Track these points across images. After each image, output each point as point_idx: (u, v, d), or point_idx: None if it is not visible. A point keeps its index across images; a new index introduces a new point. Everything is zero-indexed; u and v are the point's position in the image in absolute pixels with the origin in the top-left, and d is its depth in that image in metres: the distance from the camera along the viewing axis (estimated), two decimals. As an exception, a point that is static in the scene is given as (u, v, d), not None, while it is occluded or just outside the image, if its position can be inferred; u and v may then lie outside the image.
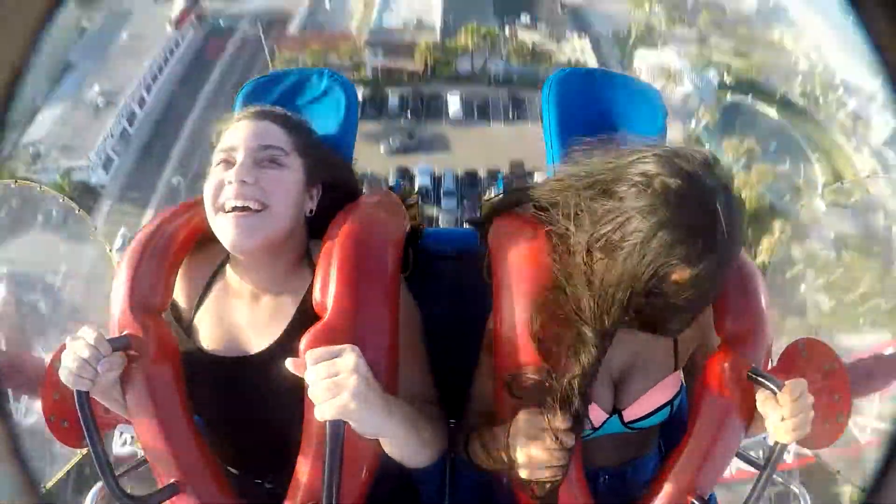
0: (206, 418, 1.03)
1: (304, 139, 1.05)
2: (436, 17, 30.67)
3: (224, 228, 0.93)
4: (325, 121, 1.23)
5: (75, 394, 0.84)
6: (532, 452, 0.84)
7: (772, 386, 0.82)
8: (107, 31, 30.67)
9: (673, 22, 34.56)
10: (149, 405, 0.94)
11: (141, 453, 1.04)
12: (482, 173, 25.65)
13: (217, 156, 0.99)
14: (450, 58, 28.44)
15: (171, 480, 0.93)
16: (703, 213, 0.78)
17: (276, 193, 0.95)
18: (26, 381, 1.18)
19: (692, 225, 0.77)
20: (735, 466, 1.10)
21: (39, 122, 25.55)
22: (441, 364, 1.09)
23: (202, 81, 30.83)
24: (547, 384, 0.87)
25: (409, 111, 27.00)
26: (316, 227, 1.04)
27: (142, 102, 27.97)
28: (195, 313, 1.05)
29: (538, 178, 1.48)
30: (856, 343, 1.52)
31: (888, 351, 1.42)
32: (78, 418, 0.84)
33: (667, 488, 0.93)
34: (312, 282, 0.93)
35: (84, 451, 1.13)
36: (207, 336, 1.03)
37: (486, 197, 1.12)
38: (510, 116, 27.22)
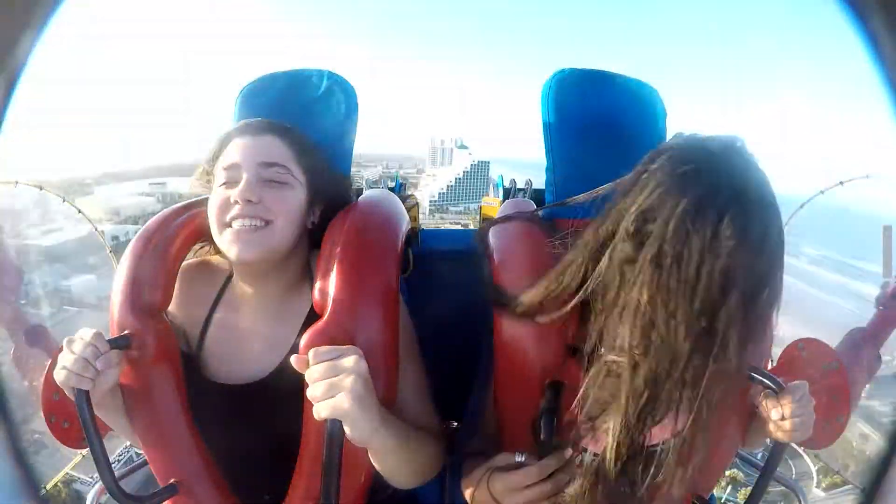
0: (207, 441, 1.00)
1: (307, 153, 1.05)
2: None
3: (229, 242, 0.94)
4: (324, 121, 1.23)
5: (75, 393, 0.83)
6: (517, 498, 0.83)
7: (772, 385, 0.82)
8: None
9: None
10: (148, 405, 0.94)
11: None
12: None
13: (220, 173, 0.98)
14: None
15: (171, 481, 0.93)
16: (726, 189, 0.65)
17: (280, 211, 0.96)
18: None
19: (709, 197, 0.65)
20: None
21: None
22: (440, 365, 1.09)
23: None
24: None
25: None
26: (317, 239, 1.03)
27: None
28: (201, 340, 1.04)
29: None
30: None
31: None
32: (78, 419, 0.84)
33: (667, 488, 0.93)
34: (313, 290, 0.93)
35: (84, 451, 1.13)
36: (214, 363, 1.03)
37: (486, 197, 1.11)
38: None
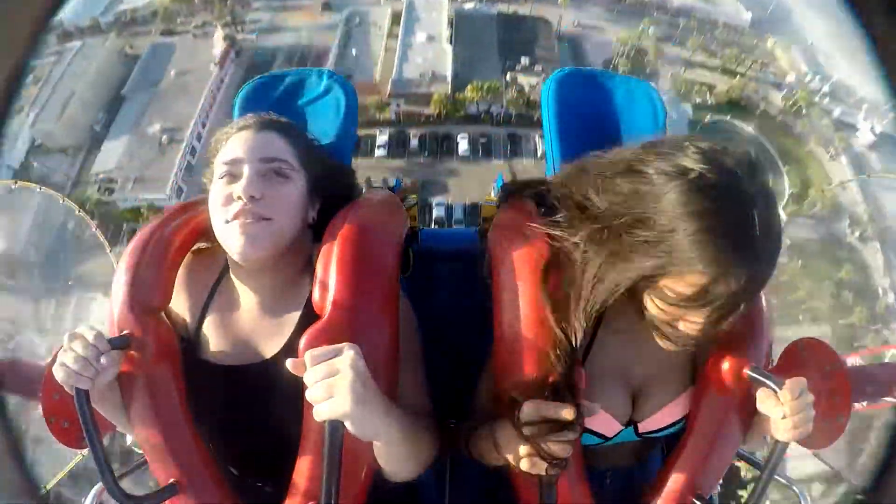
0: (207, 426, 1.00)
1: (307, 149, 1.05)
2: (447, 69, 35.72)
3: (231, 238, 0.94)
4: (324, 121, 1.23)
5: (75, 393, 0.83)
6: (534, 444, 0.82)
7: (772, 385, 0.82)
8: (153, 66, 35.09)
9: (663, 44, 36.44)
10: (148, 405, 0.94)
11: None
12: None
13: (220, 168, 0.98)
14: (458, 107, 34.67)
15: (171, 481, 0.93)
16: (739, 215, 0.73)
17: (281, 206, 0.96)
18: (24, 385, 1.17)
19: (725, 226, 0.73)
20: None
21: (105, 152, 31.11)
22: (440, 363, 1.09)
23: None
24: (549, 378, 0.85)
25: (427, 151, 33.73)
26: (319, 233, 1.03)
27: (199, 137, 32.27)
28: (199, 324, 1.04)
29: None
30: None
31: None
32: (78, 419, 0.84)
33: (668, 488, 0.93)
34: (312, 289, 0.93)
35: (84, 451, 1.13)
36: (212, 347, 1.03)
37: (486, 198, 1.11)
38: (507, 154, 33.84)
